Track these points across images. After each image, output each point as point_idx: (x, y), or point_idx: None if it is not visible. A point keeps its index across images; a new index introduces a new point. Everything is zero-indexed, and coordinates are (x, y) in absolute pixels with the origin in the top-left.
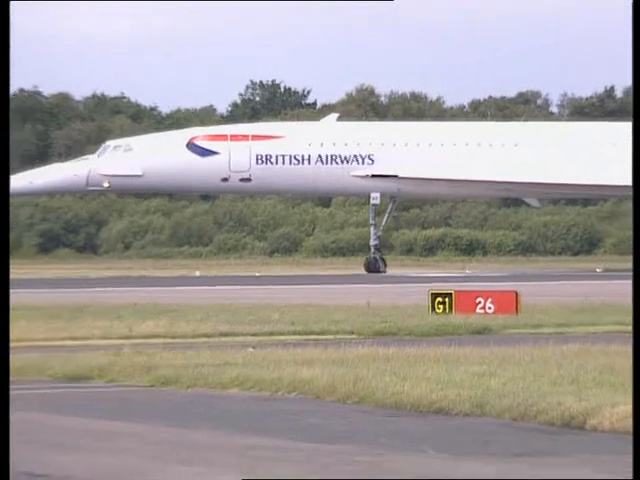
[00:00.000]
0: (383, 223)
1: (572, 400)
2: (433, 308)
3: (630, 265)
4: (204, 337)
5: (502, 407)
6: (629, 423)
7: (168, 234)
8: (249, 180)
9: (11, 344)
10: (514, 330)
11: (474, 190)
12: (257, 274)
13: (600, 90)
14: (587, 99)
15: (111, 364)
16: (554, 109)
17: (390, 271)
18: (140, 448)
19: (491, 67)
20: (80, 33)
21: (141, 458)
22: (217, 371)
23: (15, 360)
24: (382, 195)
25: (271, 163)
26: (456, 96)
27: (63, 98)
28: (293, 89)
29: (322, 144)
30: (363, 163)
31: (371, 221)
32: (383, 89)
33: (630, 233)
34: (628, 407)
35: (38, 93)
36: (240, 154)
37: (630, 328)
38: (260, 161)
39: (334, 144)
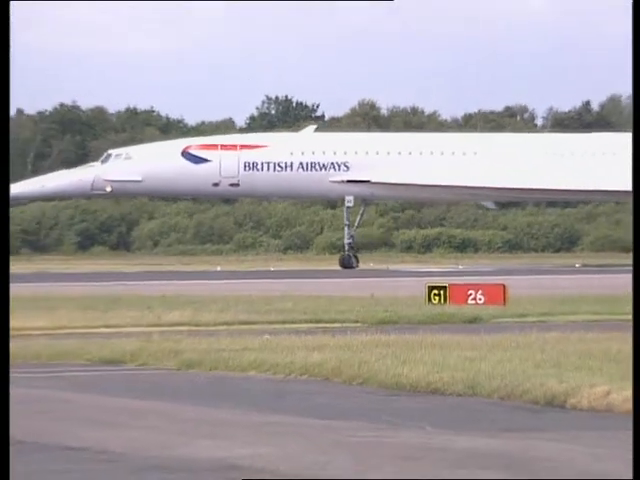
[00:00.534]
0: (356, 223)
1: (554, 381)
2: (429, 299)
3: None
4: (225, 325)
5: (491, 388)
6: (605, 402)
7: (192, 233)
8: (237, 185)
9: (52, 332)
10: (502, 319)
11: (435, 194)
12: (272, 269)
13: (578, 104)
14: (567, 113)
15: (142, 349)
16: (540, 121)
17: (391, 267)
18: (168, 424)
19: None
20: (114, 52)
21: (169, 433)
22: (236, 355)
23: (56, 345)
24: (356, 198)
25: (257, 170)
26: (450, 110)
27: (99, 112)
28: (304, 103)
29: (302, 152)
30: (339, 170)
31: (345, 222)
32: (385, 103)
33: (606, 232)
34: (604, 387)
35: (77, 107)
36: (229, 162)
37: (607, 317)
38: (247, 168)
39: (313, 153)
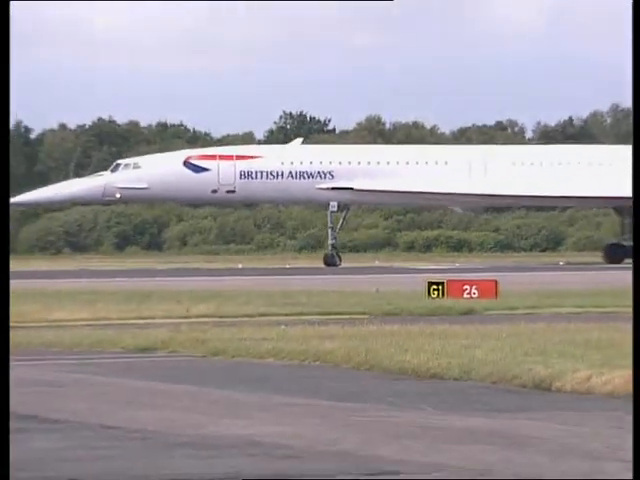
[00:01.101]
0: (339, 226)
1: (540, 367)
2: (429, 294)
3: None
4: (246, 317)
5: (484, 373)
6: (586, 386)
7: (216, 234)
8: (234, 192)
9: (92, 322)
10: (494, 311)
11: (409, 199)
12: (288, 266)
13: (563, 119)
14: (553, 126)
15: (172, 338)
16: (529, 134)
17: (395, 265)
18: (195, 406)
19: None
20: (147, 71)
21: (196, 413)
22: (256, 344)
23: (95, 335)
24: (339, 204)
25: (252, 178)
26: (448, 124)
27: (133, 125)
28: (316, 118)
29: (292, 162)
30: (325, 178)
31: (329, 224)
32: (389, 118)
33: (587, 234)
34: (586, 372)
35: (113, 121)
36: (227, 171)
37: (588, 309)
38: (243, 176)
39: (301, 163)
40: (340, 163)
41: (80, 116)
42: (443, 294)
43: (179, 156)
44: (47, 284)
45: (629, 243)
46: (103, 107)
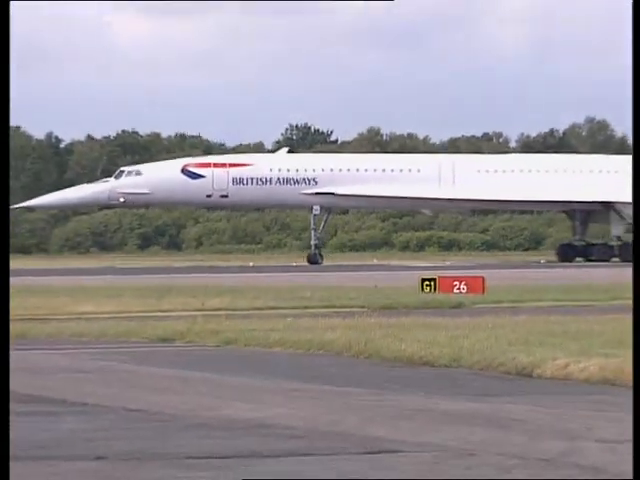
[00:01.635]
0: (321, 227)
1: (523, 356)
2: (422, 289)
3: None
4: (256, 310)
5: (472, 361)
6: (565, 372)
7: (229, 235)
8: (227, 197)
9: (116, 315)
10: (481, 305)
11: (385, 203)
12: (294, 264)
13: (544, 130)
14: (535, 137)
15: (189, 329)
16: (513, 144)
17: (391, 263)
18: (210, 390)
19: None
20: (167, 86)
21: (210, 398)
22: (265, 335)
23: (119, 326)
24: (322, 207)
25: (243, 184)
26: (439, 135)
27: (154, 137)
28: (320, 130)
29: (279, 170)
30: (309, 184)
31: (312, 226)
32: (387, 130)
33: (564, 235)
34: (564, 360)
35: (136, 133)
36: (220, 177)
37: (566, 303)
38: (235, 182)
39: (288, 170)
40: (323, 170)
41: (106, 128)
42: (435, 289)
43: (177, 164)
44: (76, 280)
45: (579, 243)
46: (127, 120)
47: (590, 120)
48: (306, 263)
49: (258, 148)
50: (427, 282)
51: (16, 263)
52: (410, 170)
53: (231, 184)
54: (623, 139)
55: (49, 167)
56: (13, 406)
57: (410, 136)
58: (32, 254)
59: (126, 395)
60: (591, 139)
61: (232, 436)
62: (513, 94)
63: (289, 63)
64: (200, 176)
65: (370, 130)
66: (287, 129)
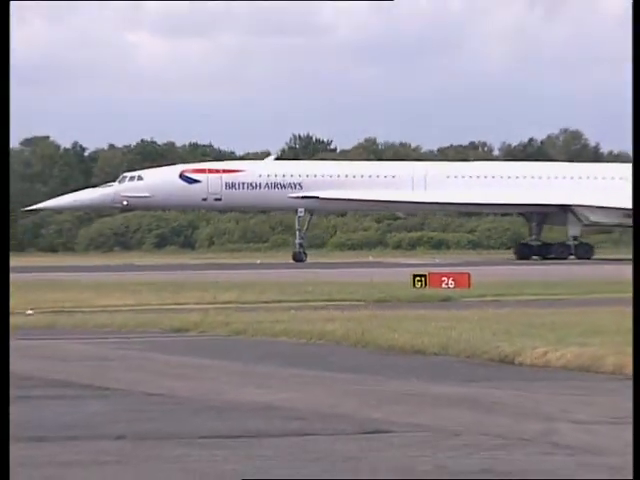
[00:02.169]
0: (304, 228)
1: (505, 345)
2: (414, 284)
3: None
4: (263, 303)
5: (459, 349)
6: (543, 360)
7: (239, 235)
8: (220, 200)
9: (135, 307)
10: (467, 299)
11: (364, 206)
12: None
13: (524, 140)
14: (516, 146)
15: (201, 321)
16: (496, 152)
17: (385, 260)
18: (220, 376)
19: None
20: (182, 101)
21: (221, 383)
22: (271, 326)
23: (138, 318)
24: (307, 210)
25: (235, 188)
26: (429, 144)
27: (170, 145)
28: (321, 139)
29: (268, 175)
30: (295, 188)
31: (297, 227)
32: (382, 139)
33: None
34: (543, 349)
35: (154, 142)
36: (214, 182)
37: (544, 297)
38: (228, 187)
39: (276, 175)
40: (307, 176)
41: (126, 137)
42: (425, 284)
43: (175, 170)
44: (100, 276)
45: (535, 243)
46: (145, 130)
47: (565, 131)
48: (291, 261)
49: (265, 156)
50: (418, 278)
51: (45, 261)
52: (386, 176)
53: (224, 188)
54: (596, 148)
55: (75, 173)
56: (44, 390)
57: (403, 145)
58: (59, 253)
59: (145, 380)
60: (566, 148)
61: (241, 417)
62: (497, 107)
63: (292, 79)
64: (196, 181)
65: (367, 140)
66: (291, 139)
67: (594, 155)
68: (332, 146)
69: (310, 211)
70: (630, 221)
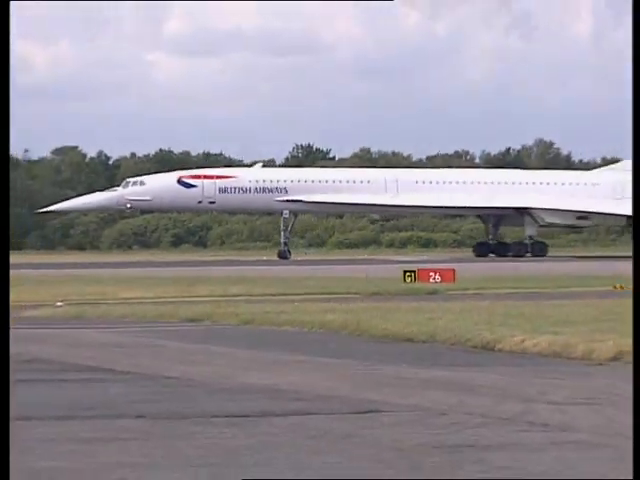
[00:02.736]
0: (289, 228)
1: (487, 333)
2: (404, 279)
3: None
4: (269, 295)
5: (446, 337)
6: (521, 347)
7: (247, 235)
8: (214, 203)
9: (154, 300)
10: (452, 292)
11: (344, 209)
12: (299, 259)
13: (503, 149)
14: (495, 155)
15: (214, 312)
16: (477, 161)
17: (377, 258)
18: (230, 362)
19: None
20: (196, 116)
21: (232, 368)
22: (276, 316)
23: (156, 309)
24: (292, 212)
25: (228, 193)
26: (419, 153)
27: (185, 154)
28: (321, 149)
29: (257, 181)
30: (281, 193)
31: (282, 227)
32: (376, 148)
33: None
34: (520, 337)
35: (171, 151)
36: (209, 187)
37: (521, 290)
38: (221, 191)
39: (264, 181)
40: (292, 182)
41: (146, 147)
42: (415, 279)
43: (174, 176)
44: (121, 272)
45: (492, 242)
46: (163, 140)
47: (539, 141)
48: (276, 258)
49: (270, 164)
50: (408, 273)
51: (73, 258)
52: (362, 182)
53: (218, 193)
54: (568, 156)
55: (100, 179)
56: (71, 374)
57: (395, 154)
58: (86, 251)
59: (162, 365)
60: (540, 157)
61: (249, 399)
62: (478, 119)
63: (295, 94)
64: (192, 186)
65: (362, 149)
66: (294, 148)
67: (566, 163)
68: (331, 155)
69: (294, 213)
70: (581, 222)
